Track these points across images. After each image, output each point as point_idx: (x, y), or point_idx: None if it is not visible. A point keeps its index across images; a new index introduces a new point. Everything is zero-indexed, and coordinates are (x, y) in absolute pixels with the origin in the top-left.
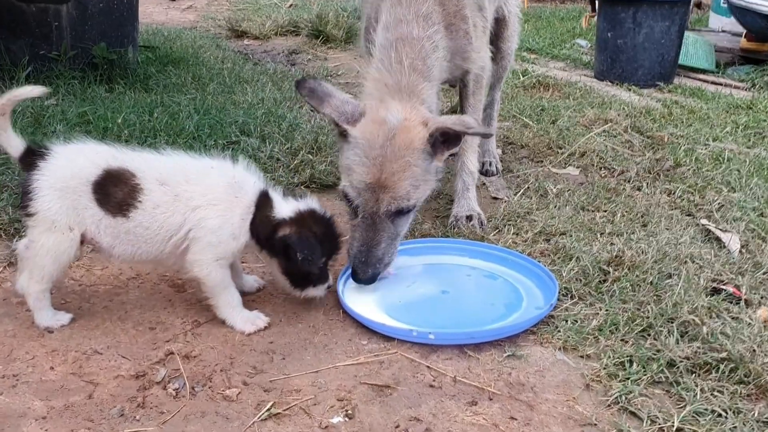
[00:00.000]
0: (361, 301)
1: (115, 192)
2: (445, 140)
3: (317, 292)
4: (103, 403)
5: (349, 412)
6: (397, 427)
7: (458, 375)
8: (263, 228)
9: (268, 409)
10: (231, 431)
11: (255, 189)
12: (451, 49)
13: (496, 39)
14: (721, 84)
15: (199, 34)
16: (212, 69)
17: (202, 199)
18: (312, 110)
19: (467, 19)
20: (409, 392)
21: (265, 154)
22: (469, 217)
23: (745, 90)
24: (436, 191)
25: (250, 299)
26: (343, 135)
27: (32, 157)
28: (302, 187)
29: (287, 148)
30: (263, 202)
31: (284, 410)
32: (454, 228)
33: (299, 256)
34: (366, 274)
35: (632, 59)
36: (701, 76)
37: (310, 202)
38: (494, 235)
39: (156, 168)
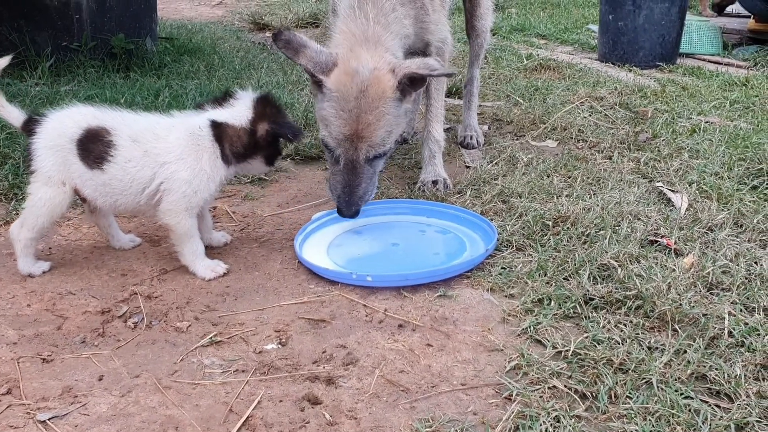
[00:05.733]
0: (316, 253)
1: (93, 148)
2: (411, 83)
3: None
4: (69, 333)
5: (283, 340)
6: (323, 352)
7: (389, 311)
8: (239, 145)
9: (211, 338)
10: (174, 354)
11: (207, 128)
12: (411, 16)
13: (471, 17)
14: (722, 63)
15: (222, 27)
16: (225, 58)
17: (170, 155)
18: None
19: None
20: (342, 325)
21: None
22: (435, 182)
23: (746, 69)
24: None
25: (216, 252)
26: (318, 85)
27: (32, 124)
28: (288, 159)
29: None
30: (220, 131)
31: (225, 339)
32: (420, 192)
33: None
34: (350, 210)
35: (633, 41)
36: (705, 57)
37: (245, 95)
38: (456, 197)
39: (130, 126)
